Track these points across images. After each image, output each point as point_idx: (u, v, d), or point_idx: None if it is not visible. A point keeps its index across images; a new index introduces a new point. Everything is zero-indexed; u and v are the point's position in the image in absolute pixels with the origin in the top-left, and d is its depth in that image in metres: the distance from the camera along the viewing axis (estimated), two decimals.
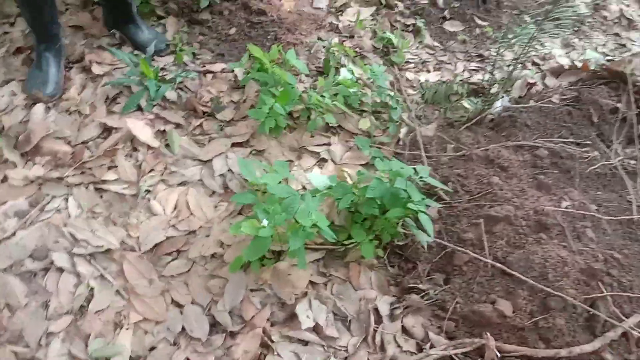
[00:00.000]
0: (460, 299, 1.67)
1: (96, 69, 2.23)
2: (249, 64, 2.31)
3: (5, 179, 1.84)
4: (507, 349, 1.54)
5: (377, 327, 1.63)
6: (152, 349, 1.53)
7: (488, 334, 1.55)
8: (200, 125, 2.14)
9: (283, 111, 2.04)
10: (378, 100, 2.31)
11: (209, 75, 2.33)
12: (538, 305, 1.60)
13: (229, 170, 2.00)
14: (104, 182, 1.89)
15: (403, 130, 2.25)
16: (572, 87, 2.35)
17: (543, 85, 2.49)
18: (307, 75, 2.41)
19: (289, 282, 1.70)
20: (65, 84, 2.16)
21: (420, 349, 1.59)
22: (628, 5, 3.17)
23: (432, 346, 1.59)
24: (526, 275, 1.65)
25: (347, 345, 1.59)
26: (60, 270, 1.65)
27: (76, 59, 2.27)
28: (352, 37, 2.67)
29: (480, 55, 2.74)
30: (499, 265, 1.69)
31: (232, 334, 1.59)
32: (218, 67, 2.37)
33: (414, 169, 1.77)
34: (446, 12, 2.91)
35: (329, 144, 2.15)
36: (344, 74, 2.34)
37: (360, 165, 2.09)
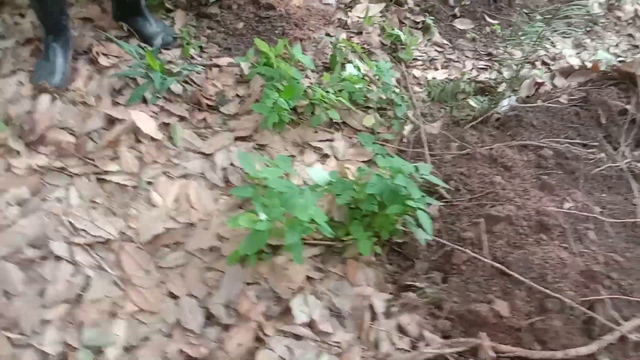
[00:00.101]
0: (457, 298, 1.65)
1: (103, 61, 2.23)
2: (255, 59, 2.31)
3: (9, 167, 1.86)
4: (503, 349, 1.52)
5: (372, 324, 1.62)
6: (145, 339, 1.54)
7: (484, 333, 1.54)
8: (204, 118, 2.14)
9: (287, 106, 2.03)
10: (383, 97, 2.30)
11: (215, 69, 2.33)
12: (535, 306, 1.58)
13: (231, 164, 2.00)
14: (106, 172, 1.89)
15: (407, 128, 2.23)
16: (580, 88, 2.31)
17: (552, 85, 2.45)
18: (313, 71, 2.40)
19: (285, 276, 1.70)
20: (72, 75, 2.17)
21: (414, 347, 1.58)
22: None
23: (426, 344, 1.57)
24: (525, 275, 1.63)
25: (341, 341, 1.58)
26: (59, 258, 1.65)
27: (84, 50, 2.29)
28: (360, 33, 2.66)
29: (489, 54, 2.71)
30: (497, 265, 1.67)
31: (226, 327, 1.58)
32: (224, 61, 2.36)
33: (416, 166, 1.76)
34: (456, 10, 2.89)
35: (332, 140, 2.14)
36: (349, 69, 2.33)
37: (363, 161, 2.08)
